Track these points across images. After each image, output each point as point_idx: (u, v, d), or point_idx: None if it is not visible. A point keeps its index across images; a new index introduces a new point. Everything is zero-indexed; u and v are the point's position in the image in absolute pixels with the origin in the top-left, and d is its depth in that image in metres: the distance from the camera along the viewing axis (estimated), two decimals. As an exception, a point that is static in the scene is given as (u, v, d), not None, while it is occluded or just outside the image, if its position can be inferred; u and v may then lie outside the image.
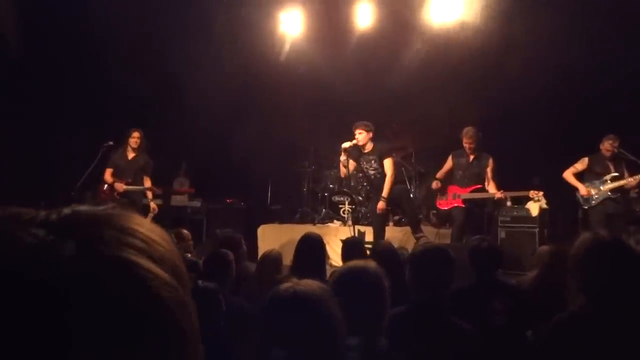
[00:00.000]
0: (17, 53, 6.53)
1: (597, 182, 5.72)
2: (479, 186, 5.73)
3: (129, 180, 6.10)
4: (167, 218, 6.67)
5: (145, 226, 0.43)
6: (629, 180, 5.56)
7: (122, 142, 6.18)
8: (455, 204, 5.77)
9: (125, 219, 0.42)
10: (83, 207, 0.42)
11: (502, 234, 5.62)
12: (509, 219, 5.70)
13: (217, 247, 3.61)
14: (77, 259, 0.37)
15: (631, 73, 5.84)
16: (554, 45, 6.14)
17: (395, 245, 5.80)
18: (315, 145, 7.93)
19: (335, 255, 5.70)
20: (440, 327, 2.11)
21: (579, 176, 5.87)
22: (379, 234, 5.66)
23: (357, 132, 5.65)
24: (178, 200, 7.43)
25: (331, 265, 5.53)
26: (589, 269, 1.75)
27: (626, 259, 1.75)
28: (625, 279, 1.71)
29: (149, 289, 0.39)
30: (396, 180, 5.79)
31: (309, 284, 1.34)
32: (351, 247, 3.70)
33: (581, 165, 5.85)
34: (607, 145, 5.65)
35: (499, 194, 5.52)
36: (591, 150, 5.82)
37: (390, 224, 6.66)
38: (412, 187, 7.30)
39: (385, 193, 5.59)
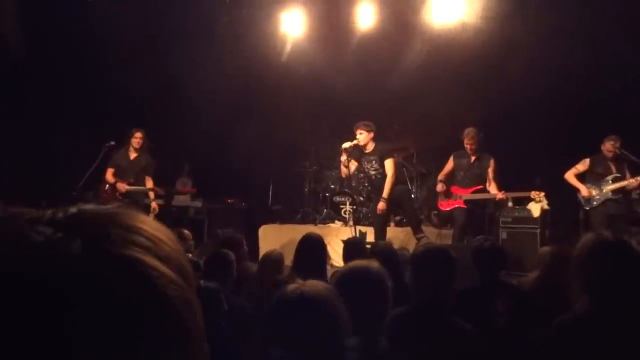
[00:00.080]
0: (19, 53, 6.53)
1: (598, 183, 5.71)
2: (480, 187, 5.73)
3: (131, 180, 6.11)
4: (168, 218, 6.68)
5: (150, 225, 0.43)
6: (631, 181, 5.55)
7: (124, 142, 6.18)
8: (457, 205, 5.77)
9: (131, 218, 0.43)
10: (89, 206, 0.43)
11: (503, 235, 5.61)
12: (510, 219, 5.69)
13: (218, 247, 3.61)
14: (84, 257, 0.37)
15: (633, 74, 5.83)
16: (555, 46, 6.13)
17: (397, 245, 5.82)
18: (317, 146, 7.93)
19: (336, 256, 5.70)
20: (441, 327, 2.10)
21: (581, 177, 5.86)
22: (379, 234, 5.66)
23: (358, 132, 5.65)
24: (180, 200, 7.43)
25: (332, 265, 5.53)
26: (592, 270, 1.75)
27: (629, 259, 1.75)
28: (628, 279, 1.71)
29: (155, 287, 0.39)
30: (397, 181, 5.78)
31: (315, 285, 1.33)
32: (352, 248, 3.69)
33: (583, 166, 5.84)
34: (608, 146, 5.64)
35: (500, 195, 5.51)
36: (593, 151, 5.81)
37: (392, 224, 6.65)
38: (413, 187, 7.30)
39: (385, 194, 5.58)
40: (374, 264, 1.89)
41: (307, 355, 1.25)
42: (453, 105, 6.85)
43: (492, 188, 5.64)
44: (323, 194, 7.38)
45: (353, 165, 5.90)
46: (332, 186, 7.35)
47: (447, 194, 5.82)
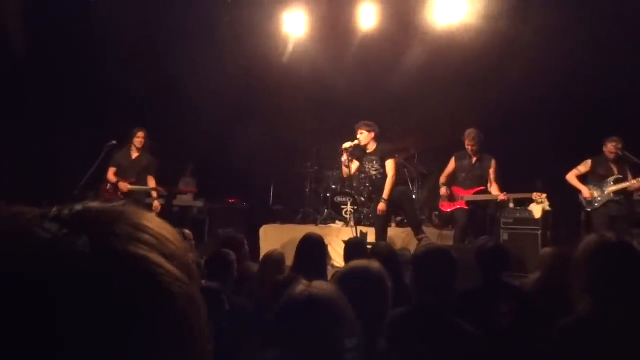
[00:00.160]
0: (20, 53, 6.54)
1: (600, 184, 5.70)
2: (482, 188, 5.72)
3: (133, 179, 6.12)
4: (169, 218, 6.68)
5: (156, 223, 0.44)
6: (633, 183, 5.54)
7: (126, 141, 6.19)
8: (458, 206, 5.76)
9: (136, 216, 0.43)
10: (94, 204, 0.43)
11: (504, 236, 5.60)
12: (511, 221, 5.69)
13: (219, 247, 3.61)
14: (91, 253, 0.38)
15: (635, 75, 5.82)
16: (557, 47, 6.13)
17: (398, 246, 5.82)
18: (318, 146, 7.93)
19: (337, 256, 5.70)
20: (442, 328, 2.10)
21: (582, 178, 5.85)
22: (380, 235, 5.66)
23: (359, 132, 5.66)
24: (183, 200, 7.44)
25: (333, 266, 5.53)
26: (596, 271, 1.74)
27: (632, 260, 1.75)
28: (631, 280, 1.71)
29: (160, 285, 0.39)
30: (397, 182, 5.78)
31: (322, 287, 1.32)
32: (353, 248, 3.69)
33: (584, 167, 5.83)
34: (610, 148, 5.63)
35: (502, 196, 5.50)
36: (595, 152, 5.80)
37: (393, 224, 6.65)
38: (414, 188, 7.29)
39: (385, 195, 5.58)
40: (374, 264, 1.89)
41: (308, 356, 1.25)
42: (454, 106, 6.85)
43: (494, 189, 5.63)
44: (324, 195, 7.37)
45: (355, 165, 5.90)
46: (333, 186, 7.35)
47: (451, 198, 5.79)
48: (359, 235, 5.64)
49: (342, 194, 6.86)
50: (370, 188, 6.07)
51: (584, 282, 1.78)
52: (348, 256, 3.59)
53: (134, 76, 6.94)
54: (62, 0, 6.75)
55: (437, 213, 6.87)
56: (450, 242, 5.69)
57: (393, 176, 5.64)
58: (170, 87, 7.26)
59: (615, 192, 5.61)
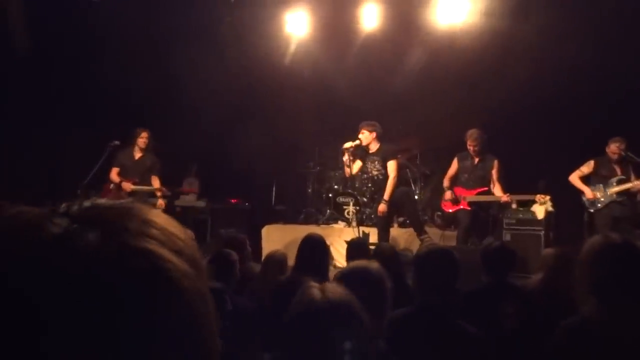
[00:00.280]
0: (24, 53, 6.56)
1: (603, 185, 5.69)
2: (484, 189, 5.70)
3: (136, 179, 6.13)
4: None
5: (163, 219, 0.44)
6: (636, 183, 5.52)
7: (129, 141, 6.20)
8: (461, 207, 5.75)
9: (145, 212, 0.43)
10: (102, 200, 0.43)
11: (507, 237, 5.59)
12: (514, 221, 5.67)
13: (221, 247, 3.62)
14: (102, 247, 0.38)
15: (638, 75, 5.81)
16: (560, 48, 6.11)
17: (401, 246, 5.82)
18: (320, 146, 7.93)
19: (339, 257, 5.70)
20: (444, 329, 2.10)
21: (585, 179, 5.84)
22: (382, 235, 5.66)
23: (360, 132, 5.66)
24: (186, 200, 7.45)
25: (335, 266, 5.53)
26: (600, 272, 1.74)
27: (637, 261, 1.74)
28: (636, 281, 1.70)
29: (171, 280, 0.40)
30: (399, 182, 5.77)
31: (337, 290, 1.31)
32: (355, 249, 3.69)
33: (587, 168, 5.82)
34: (613, 148, 5.62)
35: (505, 197, 5.49)
36: (597, 153, 5.79)
37: (395, 225, 6.64)
38: (416, 188, 7.28)
39: (386, 196, 5.57)
40: (373, 264, 1.89)
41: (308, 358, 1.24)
42: (457, 107, 6.84)
43: (497, 190, 5.62)
44: (326, 195, 7.37)
45: (357, 165, 5.89)
46: (335, 187, 7.34)
47: (456, 201, 5.77)
48: (361, 235, 5.64)
49: (344, 194, 6.85)
50: (373, 188, 6.07)
51: (588, 283, 1.77)
52: (350, 256, 3.59)
53: (135, 76, 6.95)
54: (64, 0, 6.77)
55: (439, 213, 6.86)
56: (453, 243, 5.68)
57: (394, 177, 5.64)
58: (172, 87, 7.27)
59: (618, 193, 5.59)
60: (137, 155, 6.22)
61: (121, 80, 6.74)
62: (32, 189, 6.00)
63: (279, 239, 6.53)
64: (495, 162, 5.70)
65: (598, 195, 5.67)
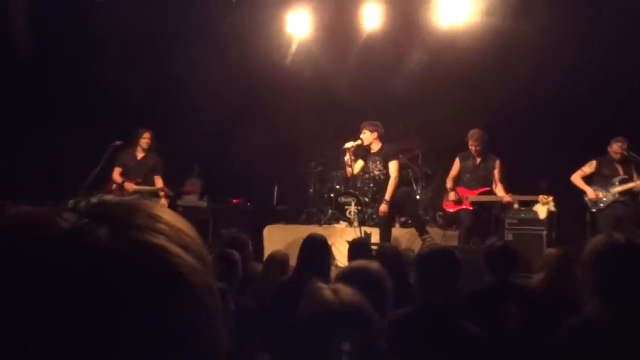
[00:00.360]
0: (25, 53, 6.57)
1: (605, 184, 5.68)
2: (486, 189, 5.69)
3: (139, 180, 6.15)
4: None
5: (170, 215, 0.44)
6: (638, 183, 5.51)
7: (131, 142, 6.22)
8: (463, 206, 5.74)
9: (152, 208, 0.44)
10: (109, 196, 0.44)
11: (509, 237, 5.58)
12: (516, 221, 5.67)
13: (223, 247, 3.62)
14: (112, 243, 0.38)
15: (640, 75, 5.80)
16: (562, 47, 6.10)
17: (402, 246, 5.81)
18: (322, 146, 7.93)
19: (341, 257, 5.70)
20: (446, 329, 2.10)
21: (587, 179, 5.83)
22: (384, 235, 5.66)
23: (362, 131, 5.66)
24: (188, 200, 7.46)
25: (336, 266, 5.53)
26: (604, 272, 1.73)
27: None
28: (639, 280, 1.70)
29: (180, 275, 0.40)
30: (401, 183, 5.77)
31: (349, 292, 1.30)
32: (357, 249, 3.70)
33: (589, 168, 5.80)
34: (615, 148, 5.61)
35: (507, 198, 5.48)
36: (599, 152, 5.77)
37: (397, 225, 6.64)
38: (418, 188, 7.28)
39: (388, 196, 5.57)
40: (374, 264, 1.89)
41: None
42: (458, 107, 6.83)
43: (499, 190, 5.61)
44: (328, 195, 7.37)
45: (359, 165, 5.89)
46: (337, 187, 7.34)
47: (459, 201, 5.76)
48: (362, 235, 5.64)
49: (346, 194, 6.85)
50: (374, 188, 6.07)
51: (591, 283, 1.77)
52: (352, 256, 3.59)
53: (136, 76, 6.96)
54: (65, 0, 6.77)
55: (441, 213, 6.85)
56: (455, 243, 5.67)
57: (396, 177, 5.63)
58: (174, 88, 7.28)
59: (621, 193, 5.58)
60: (140, 155, 6.24)
61: (122, 80, 6.75)
62: (33, 189, 6.00)
63: (280, 239, 6.54)
64: (497, 162, 5.69)
65: (600, 195, 5.66)
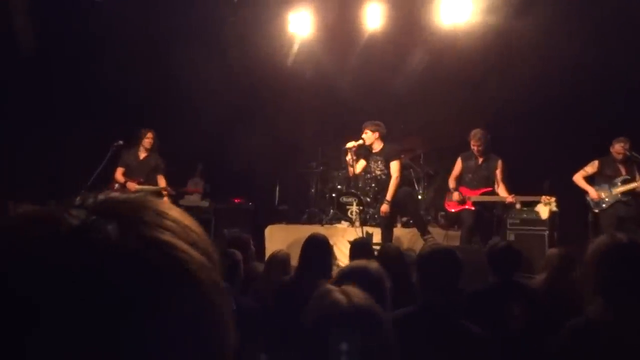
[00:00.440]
0: (28, 53, 6.58)
1: (607, 185, 5.66)
2: (488, 189, 5.68)
3: (141, 179, 6.16)
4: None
5: (177, 212, 0.45)
6: (641, 183, 5.50)
7: (134, 142, 6.23)
8: (465, 207, 5.73)
9: (159, 204, 0.44)
10: (116, 193, 0.44)
11: (511, 237, 5.58)
12: (518, 221, 5.66)
13: (225, 247, 3.62)
14: (121, 239, 0.38)
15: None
16: (565, 47, 6.09)
17: (404, 246, 5.81)
18: (323, 146, 7.93)
19: (342, 257, 5.70)
20: (447, 328, 2.09)
21: (590, 179, 5.81)
22: (385, 235, 5.65)
23: (364, 131, 5.65)
24: (190, 200, 7.47)
25: (338, 266, 5.53)
26: (607, 272, 1.73)
27: None
28: None
29: (188, 271, 0.40)
30: (402, 183, 5.76)
31: (360, 295, 1.29)
32: (359, 248, 3.69)
33: (591, 168, 5.79)
34: (618, 148, 5.59)
35: (510, 198, 5.46)
36: (602, 153, 5.76)
37: (399, 225, 6.64)
38: (420, 188, 7.27)
39: (389, 196, 5.57)
40: (373, 264, 1.89)
41: None
42: (461, 107, 6.82)
43: (501, 190, 5.60)
44: (330, 195, 7.37)
45: (361, 165, 5.89)
46: (338, 187, 7.34)
47: (463, 201, 5.75)
48: (364, 235, 5.64)
49: (348, 194, 6.85)
50: (376, 188, 6.07)
51: (594, 283, 1.76)
52: (353, 256, 3.59)
53: (137, 76, 6.98)
54: (66, 0, 6.78)
55: (443, 213, 6.85)
56: (457, 243, 5.67)
57: (397, 177, 5.63)
58: (176, 88, 7.29)
59: (623, 193, 5.57)
60: (142, 155, 6.25)
61: (124, 80, 6.76)
62: (33, 189, 6.02)
63: (282, 238, 6.54)
64: (499, 162, 5.68)
65: (603, 195, 5.65)
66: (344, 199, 6.84)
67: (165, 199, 6.14)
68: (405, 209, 5.99)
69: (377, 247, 4.52)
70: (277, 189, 8.33)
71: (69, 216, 0.39)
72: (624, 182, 5.59)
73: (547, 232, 5.48)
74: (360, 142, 5.67)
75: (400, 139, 6.83)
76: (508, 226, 5.71)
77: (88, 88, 7.05)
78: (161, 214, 0.42)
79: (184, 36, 7.04)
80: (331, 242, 3.61)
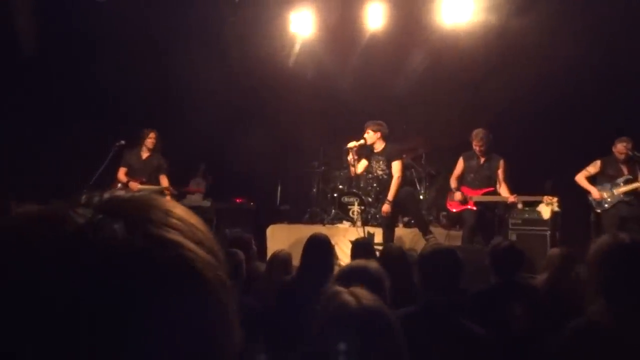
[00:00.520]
0: (30, 53, 6.59)
1: (610, 185, 5.65)
2: (490, 189, 5.67)
3: (144, 179, 6.17)
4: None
5: (182, 210, 0.44)
6: (643, 183, 5.49)
7: (136, 142, 6.24)
8: (467, 206, 5.73)
9: (165, 203, 0.44)
10: (121, 192, 0.44)
11: (513, 237, 5.57)
12: (520, 221, 5.65)
13: (227, 247, 3.63)
14: (129, 238, 0.38)
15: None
16: (567, 47, 6.08)
17: (406, 246, 5.80)
18: (325, 146, 7.93)
19: (344, 256, 5.69)
20: (448, 329, 2.09)
21: (592, 179, 5.80)
22: (387, 235, 5.65)
23: (366, 131, 5.65)
24: (192, 200, 7.48)
25: (339, 266, 5.53)
26: (609, 272, 1.72)
27: None
28: None
29: (195, 270, 0.40)
30: (404, 183, 5.76)
31: (369, 297, 1.29)
32: (360, 248, 3.69)
33: (594, 168, 5.78)
34: (620, 148, 5.58)
35: (512, 198, 5.45)
36: (604, 153, 5.75)
37: (400, 225, 6.64)
38: (422, 188, 7.27)
39: (390, 196, 5.56)
40: (372, 263, 1.89)
41: None
42: (462, 107, 6.82)
43: (503, 190, 5.59)
44: (331, 194, 7.38)
45: (363, 165, 5.89)
46: (340, 186, 7.35)
47: (465, 201, 5.74)
48: (366, 235, 5.64)
49: (349, 194, 6.85)
50: (378, 188, 6.06)
51: (596, 283, 1.76)
52: (355, 256, 3.58)
53: (138, 76, 6.99)
54: (66, 0, 6.79)
55: (444, 213, 6.84)
56: (458, 243, 5.66)
57: (399, 177, 5.62)
58: (177, 88, 7.30)
59: (625, 193, 5.56)
60: (145, 155, 6.27)
61: (124, 80, 6.77)
62: (33, 189, 6.03)
63: (284, 238, 6.54)
64: (501, 162, 5.67)
65: (605, 195, 5.64)
66: (346, 199, 6.84)
67: (168, 198, 6.15)
68: (406, 209, 5.99)
69: (379, 247, 4.52)
70: (279, 188, 8.34)
71: (76, 215, 0.39)
72: (627, 182, 5.58)
73: (549, 232, 5.47)
74: (362, 142, 5.66)
75: (402, 139, 6.83)
76: (510, 226, 5.70)
77: (88, 88, 7.06)
78: (167, 213, 0.42)
79: (187, 37, 7.05)
80: (333, 242, 3.61)
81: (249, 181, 7.97)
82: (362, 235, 5.55)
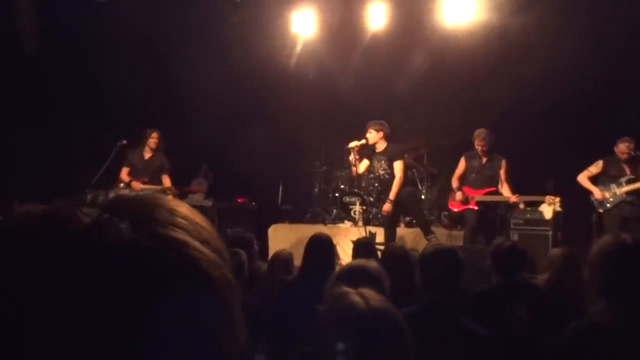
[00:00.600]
0: (32, 53, 6.60)
1: (612, 185, 5.64)
2: (492, 189, 5.67)
3: (146, 179, 6.19)
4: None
5: (187, 209, 0.44)
6: (645, 183, 5.47)
7: (138, 141, 6.25)
8: (469, 206, 5.72)
9: (169, 202, 0.44)
10: (126, 191, 0.44)
11: (514, 237, 5.56)
12: (521, 221, 5.64)
13: (228, 246, 3.62)
14: (135, 237, 0.38)
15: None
16: (569, 47, 6.06)
17: (407, 246, 5.80)
18: (326, 146, 7.93)
19: (345, 256, 5.69)
20: (449, 329, 2.09)
21: (594, 179, 5.79)
22: (388, 235, 5.65)
23: (368, 131, 5.65)
24: (194, 199, 7.50)
25: (341, 265, 5.53)
26: (611, 272, 1.72)
27: None
28: None
29: (201, 269, 0.40)
30: (405, 183, 5.76)
31: (376, 297, 1.28)
32: (362, 248, 3.69)
33: (596, 168, 5.77)
34: (622, 148, 5.57)
35: (513, 198, 5.45)
36: (606, 152, 5.74)
37: (402, 224, 6.64)
38: (423, 188, 7.26)
39: (392, 196, 5.56)
40: (372, 263, 1.89)
41: None
42: (464, 106, 6.81)
43: (505, 190, 5.58)
44: (333, 194, 7.37)
45: (364, 165, 5.89)
46: (342, 186, 7.34)
47: (466, 201, 5.73)
48: (367, 235, 5.63)
49: (351, 193, 6.85)
50: (379, 188, 6.06)
51: (598, 283, 1.76)
52: (356, 256, 3.59)
53: (138, 76, 7.00)
54: (66, 0, 6.80)
55: (446, 213, 6.83)
56: (460, 243, 5.66)
57: (400, 177, 5.62)
58: (179, 88, 7.30)
59: (628, 193, 5.55)
60: (147, 155, 6.28)
61: (124, 80, 6.78)
62: (33, 189, 6.04)
63: (285, 238, 6.55)
64: (503, 162, 5.67)
65: (607, 195, 5.63)
66: (347, 199, 6.84)
67: (171, 197, 6.16)
68: (408, 208, 5.98)
69: (380, 247, 4.52)
70: (280, 188, 8.33)
71: (82, 214, 0.39)
72: (629, 182, 5.57)
73: (551, 232, 5.46)
74: (363, 141, 5.66)
75: (404, 139, 6.83)
76: (512, 226, 5.69)
77: (89, 88, 7.07)
78: (172, 212, 0.42)
79: (188, 37, 7.05)
80: (334, 242, 3.61)
81: (250, 181, 7.97)
82: (363, 235, 5.55)
